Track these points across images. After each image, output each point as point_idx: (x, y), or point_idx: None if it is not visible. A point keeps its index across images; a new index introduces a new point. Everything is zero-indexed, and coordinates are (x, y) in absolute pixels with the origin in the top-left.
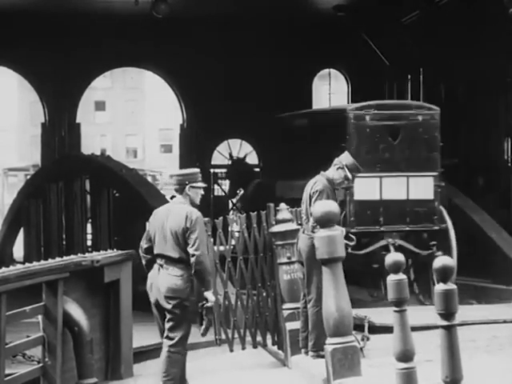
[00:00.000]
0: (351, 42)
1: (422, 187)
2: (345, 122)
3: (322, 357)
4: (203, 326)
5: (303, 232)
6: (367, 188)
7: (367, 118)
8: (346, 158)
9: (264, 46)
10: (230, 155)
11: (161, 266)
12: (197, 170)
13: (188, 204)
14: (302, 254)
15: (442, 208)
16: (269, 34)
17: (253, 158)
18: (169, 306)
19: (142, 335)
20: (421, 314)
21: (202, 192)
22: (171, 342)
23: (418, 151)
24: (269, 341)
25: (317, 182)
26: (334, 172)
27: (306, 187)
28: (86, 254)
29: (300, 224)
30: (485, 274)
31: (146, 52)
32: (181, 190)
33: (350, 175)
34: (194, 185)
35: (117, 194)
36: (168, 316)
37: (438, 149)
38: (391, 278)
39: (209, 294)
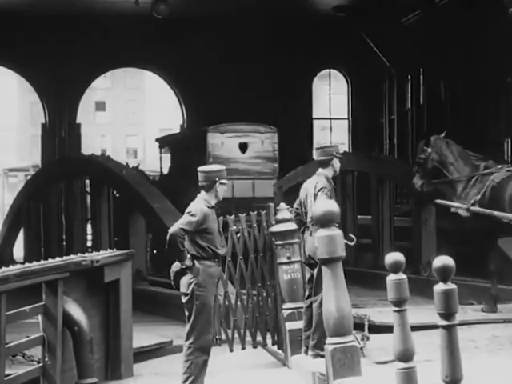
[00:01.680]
0: (351, 43)
1: (264, 188)
2: (205, 138)
3: (322, 357)
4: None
5: (310, 234)
6: None
7: (223, 135)
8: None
9: (264, 47)
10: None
11: None
12: (223, 166)
13: (203, 200)
14: (311, 255)
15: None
16: (269, 35)
17: None
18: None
19: (142, 335)
20: (421, 314)
21: (225, 188)
22: (183, 342)
23: (261, 162)
24: (269, 341)
25: (319, 182)
26: (329, 169)
27: (306, 188)
28: (86, 254)
29: (303, 224)
30: (485, 274)
31: (147, 52)
32: (208, 186)
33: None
34: (223, 181)
35: (117, 195)
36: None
37: (276, 161)
38: (391, 278)
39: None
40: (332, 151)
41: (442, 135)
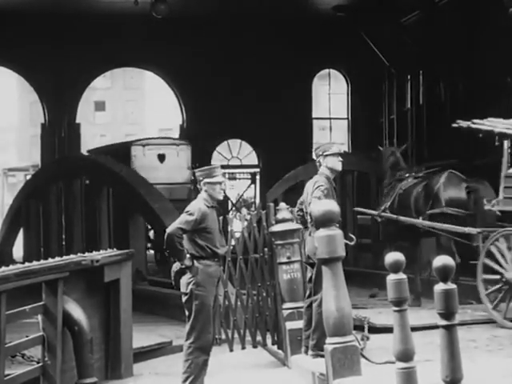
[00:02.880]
0: (351, 42)
1: (179, 192)
2: (129, 150)
3: (322, 356)
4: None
5: (309, 234)
6: None
7: (144, 148)
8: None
9: (264, 46)
10: None
11: None
12: (214, 165)
13: (202, 200)
14: (310, 255)
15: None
16: (269, 35)
17: (252, 159)
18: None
19: (142, 335)
20: (421, 314)
21: (222, 187)
22: (184, 342)
23: (177, 169)
24: (269, 340)
25: (317, 181)
26: (324, 169)
27: (307, 187)
28: (86, 254)
29: (303, 224)
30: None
31: (146, 52)
32: (200, 186)
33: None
34: (209, 180)
35: (116, 194)
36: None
37: (189, 169)
38: (391, 278)
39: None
40: (318, 152)
41: (403, 147)
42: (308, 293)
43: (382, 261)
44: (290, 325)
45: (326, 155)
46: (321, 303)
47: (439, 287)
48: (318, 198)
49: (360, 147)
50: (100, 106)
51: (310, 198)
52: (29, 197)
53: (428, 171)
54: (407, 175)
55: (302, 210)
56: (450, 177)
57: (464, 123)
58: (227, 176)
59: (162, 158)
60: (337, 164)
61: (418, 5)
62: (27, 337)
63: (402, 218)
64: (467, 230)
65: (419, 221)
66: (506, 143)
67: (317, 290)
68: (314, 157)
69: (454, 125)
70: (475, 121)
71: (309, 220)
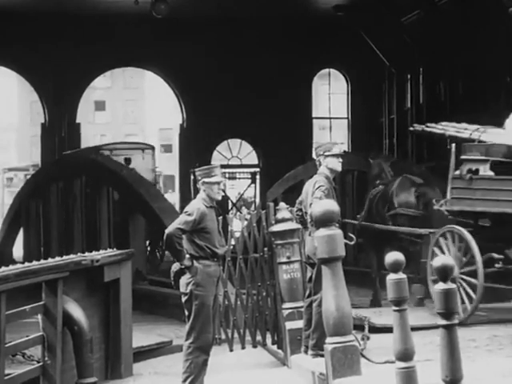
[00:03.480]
0: (351, 42)
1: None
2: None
3: (322, 356)
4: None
5: (309, 234)
6: None
7: (111, 152)
8: (322, 149)
9: (264, 46)
10: None
11: None
12: (214, 165)
13: (201, 199)
14: (310, 255)
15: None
16: (269, 34)
17: (252, 158)
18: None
19: (142, 335)
20: (421, 314)
21: (220, 186)
22: (183, 342)
23: (142, 172)
24: (268, 340)
25: (318, 181)
26: (324, 168)
27: (307, 188)
28: (86, 254)
29: (302, 224)
30: (485, 275)
31: (146, 52)
32: (199, 186)
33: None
34: (207, 180)
35: (117, 194)
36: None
37: (154, 171)
38: (391, 278)
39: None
40: (319, 151)
41: (392, 159)
42: (308, 292)
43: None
44: (289, 324)
45: (327, 155)
46: (321, 303)
47: (439, 287)
48: (319, 199)
49: (360, 147)
50: (100, 106)
51: (310, 199)
52: (29, 197)
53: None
54: (378, 182)
55: (300, 209)
56: (402, 182)
57: (419, 127)
58: (227, 176)
59: (128, 161)
60: (337, 165)
61: (418, 4)
62: (27, 336)
63: (377, 226)
64: (423, 231)
65: (391, 227)
66: (453, 146)
67: (317, 290)
68: (313, 155)
69: (410, 128)
70: (429, 124)
71: (308, 220)
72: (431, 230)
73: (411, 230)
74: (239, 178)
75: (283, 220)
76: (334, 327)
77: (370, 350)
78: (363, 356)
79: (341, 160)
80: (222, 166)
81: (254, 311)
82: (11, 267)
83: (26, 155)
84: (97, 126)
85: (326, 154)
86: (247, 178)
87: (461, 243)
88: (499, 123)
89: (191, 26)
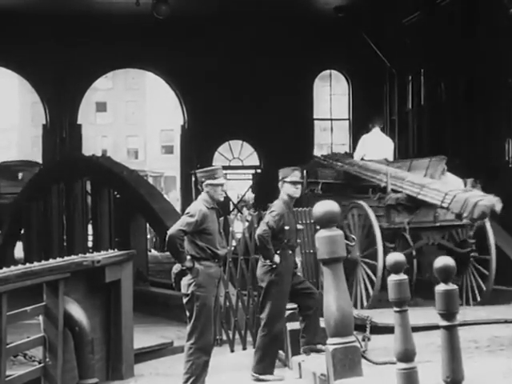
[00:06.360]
0: (352, 43)
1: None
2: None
3: (261, 381)
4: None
5: (259, 260)
6: None
7: None
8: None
9: (265, 48)
10: None
11: None
12: (216, 166)
13: (203, 201)
14: (258, 280)
15: None
16: (270, 36)
17: (253, 160)
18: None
19: (143, 336)
20: (421, 314)
21: (223, 188)
22: (185, 343)
23: None
24: None
25: (273, 205)
26: (283, 194)
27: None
28: (87, 255)
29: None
30: (485, 275)
31: (147, 53)
32: (201, 187)
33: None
34: (210, 182)
35: (117, 195)
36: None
37: None
38: (392, 278)
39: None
40: (280, 175)
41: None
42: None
43: None
44: (290, 325)
45: (285, 181)
46: (264, 327)
47: (440, 288)
48: (266, 224)
49: None
50: (101, 107)
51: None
52: (30, 197)
53: None
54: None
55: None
56: None
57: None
58: (228, 177)
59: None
60: (294, 191)
61: (419, 6)
62: (28, 337)
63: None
64: None
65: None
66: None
67: (262, 314)
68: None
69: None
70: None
71: (258, 244)
72: None
73: None
74: (240, 180)
75: None
76: (335, 328)
77: (372, 350)
78: (364, 357)
79: (298, 187)
80: (224, 168)
81: (256, 312)
82: (12, 268)
83: (28, 156)
84: (98, 127)
85: (285, 180)
86: (248, 179)
87: None
88: (500, 124)
89: (192, 28)
